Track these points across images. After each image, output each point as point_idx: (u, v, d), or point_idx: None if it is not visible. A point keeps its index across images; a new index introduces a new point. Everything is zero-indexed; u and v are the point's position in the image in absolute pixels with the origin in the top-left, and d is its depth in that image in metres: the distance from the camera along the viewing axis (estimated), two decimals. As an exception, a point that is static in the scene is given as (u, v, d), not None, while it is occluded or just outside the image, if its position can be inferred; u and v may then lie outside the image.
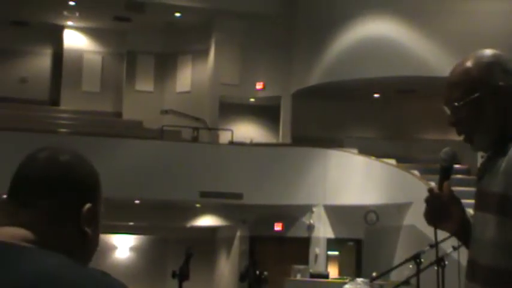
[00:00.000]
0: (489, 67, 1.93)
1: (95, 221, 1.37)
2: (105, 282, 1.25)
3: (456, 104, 1.94)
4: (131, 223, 15.68)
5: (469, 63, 1.96)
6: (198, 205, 15.17)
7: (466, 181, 11.80)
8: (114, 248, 16.69)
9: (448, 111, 1.99)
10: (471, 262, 1.95)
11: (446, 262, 5.38)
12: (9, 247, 1.25)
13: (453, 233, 2.06)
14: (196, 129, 16.15)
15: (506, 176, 1.84)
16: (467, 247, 2.00)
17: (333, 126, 16.31)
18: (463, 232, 2.01)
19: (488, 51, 1.98)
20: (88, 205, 1.35)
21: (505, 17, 13.41)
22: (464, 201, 2.03)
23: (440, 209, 2.02)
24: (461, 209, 2.03)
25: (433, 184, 11.70)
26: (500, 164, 1.88)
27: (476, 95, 1.91)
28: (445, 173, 2.05)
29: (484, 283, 1.87)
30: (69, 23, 17.72)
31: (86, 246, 1.36)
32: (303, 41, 16.01)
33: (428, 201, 2.04)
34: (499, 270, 1.84)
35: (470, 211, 2.03)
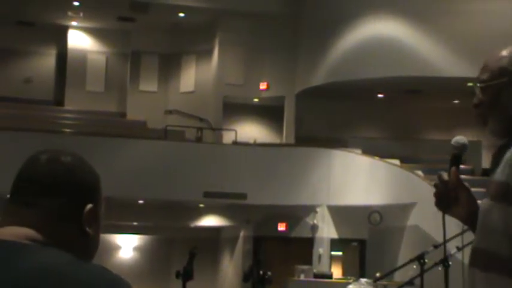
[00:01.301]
0: None
1: (96, 222, 1.39)
2: (108, 279, 1.27)
3: (480, 84, 2.04)
4: (135, 223, 15.69)
5: (504, 52, 2.06)
6: (201, 205, 15.17)
7: (470, 181, 11.74)
8: (118, 247, 16.70)
9: (476, 92, 2.08)
10: (473, 248, 2.01)
11: (450, 262, 5.37)
12: (11, 245, 1.27)
13: (462, 220, 2.12)
14: (200, 129, 16.16)
15: (508, 165, 1.91)
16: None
17: (337, 126, 16.30)
18: (472, 219, 2.06)
19: None
20: (89, 205, 1.37)
21: (508, 17, 13.38)
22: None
23: (449, 195, 2.08)
24: (471, 196, 2.10)
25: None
26: (507, 153, 1.95)
27: (501, 80, 2.00)
28: (455, 160, 2.12)
29: (483, 268, 1.93)
30: (74, 23, 17.74)
31: (88, 246, 1.38)
32: (307, 41, 16.00)
33: (437, 186, 2.11)
34: (498, 255, 1.89)
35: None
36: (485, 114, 2.04)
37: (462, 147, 2.13)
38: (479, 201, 2.06)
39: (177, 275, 6.85)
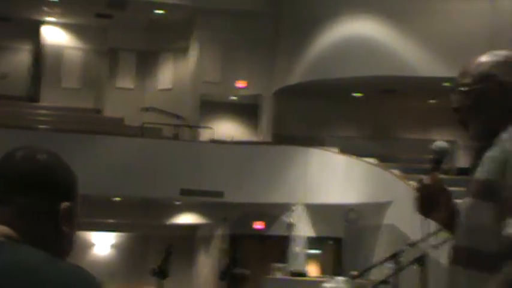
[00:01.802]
0: (500, 64, 2.07)
1: (72, 220, 1.38)
2: (82, 278, 1.26)
3: (463, 89, 2.07)
4: (111, 220, 15.61)
5: (483, 57, 2.11)
6: (178, 203, 15.13)
7: (445, 181, 11.84)
8: (93, 245, 16.60)
9: (454, 97, 2.12)
10: (454, 246, 2.03)
11: (426, 262, 5.41)
12: None
13: (443, 223, 2.15)
14: (177, 126, 16.11)
15: (490, 163, 1.94)
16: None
17: (314, 125, 16.34)
18: (451, 222, 2.09)
19: (505, 52, 2.13)
20: (65, 203, 1.36)
21: (484, 17, 13.51)
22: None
23: (430, 199, 2.12)
24: (450, 199, 2.14)
25: (412, 183, 11.77)
26: (488, 153, 1.99)
27: (482, 85, 2.04)
28: (436, 165, 2.16)
29: (465, 265, 1.95)
30: (50, 18, 17.60)
31: (63, 244, 1.37)
32: (285, 40, 16.02)
33: (418, 190, 2.15)
34: (478, 251, 1.92)
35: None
36: (467, 118, 2.07)
37: (443, 152, 2.17)
38: (459, 201, 2.08)
39: (153, 273, 6.84)
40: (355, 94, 16.07)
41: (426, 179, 2.13)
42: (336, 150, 14.50)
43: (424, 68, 13.82)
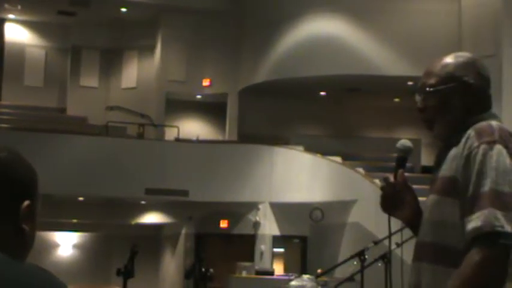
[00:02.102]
0: (466, 66, 2.10)
1: (33, 218, 1.35)
2: (43, 279, 1.24)
3: (428, 89, 2.09)
4: (75, 220, 15.45)
5: (448, 59, 2.13)
6: (143, 202, 15.04)
7: (409, 179, 11.97)
8: (56, 245, 16.42)
9: (418, 98, 2.13)
10: (418, 243, 2.05)
11: (390, 259, 5.46)
12: None
13: (407, 221, 2.16)
14: (142, 125, 16.01)
15: (456, 160, 1.97)
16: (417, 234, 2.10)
17: (279, 124, 16.38)
18: (416, 221, 2.11)
19: (468, 54, 2.17)
20: (27, 202, 1.33)
21: (448, 17, 13.67)
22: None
23: (395, 197, 2.14)
24: (415, 197, 2.16)
25: (377, 181, 11.87)
26: (452, 151, 2.02)
27: (447, 85, 2.07)
28: (401, 163, 2.17)
29: (430, 260, 1.98)
30: (11, 16, 17.34)
31: (23, 243, 1.34)
32: (250, 39, 16.03)
33: (383, 189, 2.15)
34: (443, 247, 1.95)
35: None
36: (432, 119, 2.09)
37: (407, 150, 2.19)
38: (423, 199, 2.10)
39: (118, 273, 6.77)
40: (320, 93, 16.15)
41: (391, 177, 2.14)
42: (301, 148, 14.56)
43: (388, 67, 13.94)
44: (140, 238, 13.46)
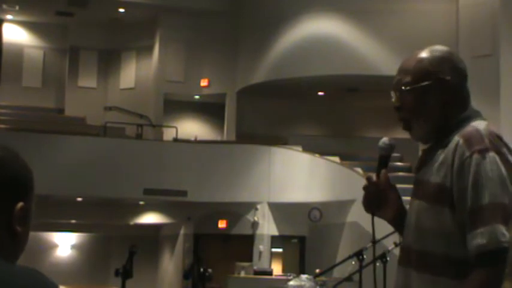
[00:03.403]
0: (441, 61, 2.02)
1: (27, 220, 1.32)
2: (35, 280, 1.22)
3: (404, 88, 2.02)
4: (73, 221, 15.44)
5: (423, 54, 2.05)
6: (142, 202, 15.03)
7: (407, 178, 11.99)
8: (55, 246, 16.40)
9: (394, 95, 2.07)
10: (405, 248, 2.02)
11: (388, 258, 5.47)
12: None
13: (389, 220, 2.13)
14: (140, 126, 16.00)
15: (444, 168, 1.92)
16: (402, 234, 2.06)
17: (277, 124, 16.38)
18: (399, 220, 2.07)
19: (443, 47, 2.08)
20: (21, 204, 1.30)
21: (445, 17, 13.69)
22: (405, 198, 2.07)
23: (378, 196, 2.09)
24: (398, 196, 2.11)
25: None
26: (439, 155, 1.96)
27: (424, 83, 2.00)
28: (383, 162, 2.13)
29: (418, 268, 1.94)
30: (9, 16, 17.32)
31: (15, 245, 1.30)
32: (249, 39, 16.02)
33: (366, 188, 2.11)
34: (433, 255, 1.91)
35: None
36: (409, 117, 2.03)
37: (389, 148, 2.13)
38: (406, 199, 2.08)
39: (117, 273, 6.78)
40: (318, 93, 16.15)
41: (373, 176, 2.10)
42: (299, 148, 14.56)
43: (386, 67, 13.93)
44: (139, 238, 13.46)
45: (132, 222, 15.51)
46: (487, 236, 1.79)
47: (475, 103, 2.07)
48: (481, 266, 1.80)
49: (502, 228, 1.78)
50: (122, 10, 16.62)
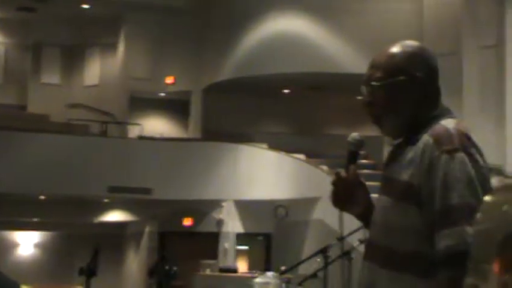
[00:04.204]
0: (412, 57, 2.01)
1: None
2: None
3: (374, 83, 2.00)
4: (36, 219, 15.25)
5: (395, 49, 2.04)
6: (106, 200, 14.91)
7: (373, 176, 12.08)
8: (17, 245, 16.18)
9: (365, 90, 2.04)
10: (371, 243, 2.02)
11: (353, 255, 5.50)
12: None
13: (358, 215, 2.13)
14: (105, 123, 15.86)
15: (413, 166, 1.91)
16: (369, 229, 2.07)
17: (243, 121, 16.37)
18: (368, 215, 2.07)
19: (415, 43, 2.08)
20: None
21: (410, 16, 13.83)
22: (371, 195, 2.07)
23: (346, 192, 2.09)
24: (366, 192, 2.12)
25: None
26: (408, 153, 1.95)
27: (394, 79, 1.98)
28: (352, 158, 2.12)
29: (383, 264, 1.94)
30: (-30, 11, 17.03)
31: None
32: (215, 36, 15.98)
33: (334, 184, 2.10)
34: (399, 252, 1.91)
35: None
36: (379, 113, 2.02)
37: (358, 144, 2.13)
38: (373, 195, 2.08)
39: (81, 272, 6.70)
40: (284, 90, 16.18)
41: (342, 171, 2.10)
42: (265, 146, 14.58)
43: (351, 65, 14.02)
44: (103, 237, 13.36)
45: (96, 221, 15.38)
46: (455, 237, 1.80)
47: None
48: (448, 266, 1.80)
49: (470, 229, 1.78)
50: (85, 6, 16.43)
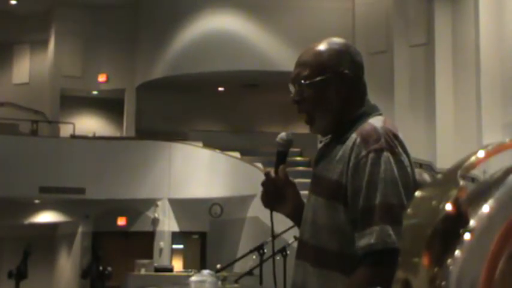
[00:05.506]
0: (339, 54, 2.02)
1: None
2: None
3: (303, 82, 2.00)
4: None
5: (321, 47, 2.04)
6: (37, 201, 14.59)
7: (306, 173, 12.19)
8: None
9: (293, 89, 2.05)
10: (302, 242, 2.02)
11: (288, 252, 5.53)
12: None
13: (288, 215, 2.14)
14: (35, 122, 15.53)
15: (341, 164, 1.92)
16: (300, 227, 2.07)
17: (177, 120, 16.30)
18: (298, 214, 2.08)
19: (341, 40, 2.09)
20: None
21: (342, 14, 14.04)
22: (304, 192, 2.07)
23: (276, 192, 2.08)
24: (296, 192, 2.12)
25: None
26: (337, 151, 1.96)
27: (322, 77, 1.99)
28: (281, 157, 2.11)
29: (314, 263, 1.95)
30: None
31: None
32: (147, 33, 15.84)
33: (264, 184, 2.09)
34: (328, 251, 1.92)
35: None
36: (310, 111, 2.01)
37: (287, 144, 2.13)
38: (303, 192, 2.09)
39: (10, 275, 6.54)
40: (218, 88, 16.18)
41: (272, 172, 2.09)
42: (200, 144, 14.54)
43: (285, 63, 14.11)
44: (34, 238, 13.06)
45: (26, 222, 15.03)
46: (374, 236, 1.81)
47: (372, 97, 2.09)
48: (366, 265, 1.81)
49: (389, 229, 1.80)
50: (13, 2, 16.02)
